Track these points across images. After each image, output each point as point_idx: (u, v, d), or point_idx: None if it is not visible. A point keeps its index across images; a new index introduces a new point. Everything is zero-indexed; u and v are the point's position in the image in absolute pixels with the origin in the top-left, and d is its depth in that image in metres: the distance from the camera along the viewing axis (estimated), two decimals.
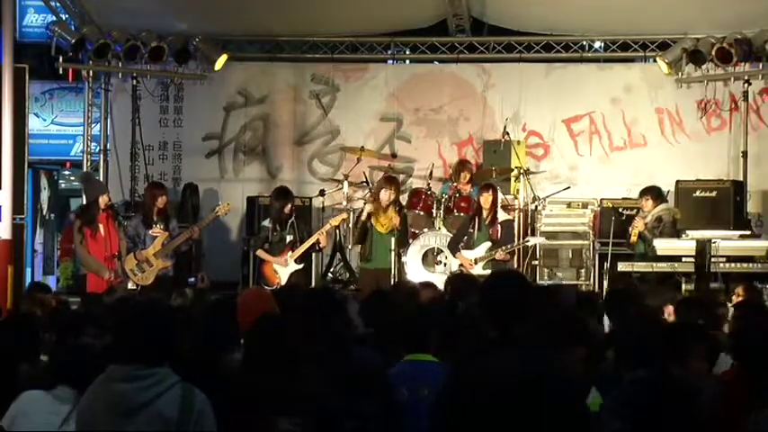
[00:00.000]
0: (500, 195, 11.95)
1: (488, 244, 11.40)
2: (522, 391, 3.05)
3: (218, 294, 8.96)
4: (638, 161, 13.89)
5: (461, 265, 11.35)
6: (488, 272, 10.79)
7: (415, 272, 11.97)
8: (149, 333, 4.08)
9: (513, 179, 13.18)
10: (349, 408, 4.37)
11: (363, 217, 11.51)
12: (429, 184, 12.67)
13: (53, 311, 7.53)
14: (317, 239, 11.22)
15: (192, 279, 11.98)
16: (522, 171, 13.03)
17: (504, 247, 11.38)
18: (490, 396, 3.06)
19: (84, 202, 11.79)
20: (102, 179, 13.83)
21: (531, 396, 2.98)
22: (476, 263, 11.32)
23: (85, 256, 11.03)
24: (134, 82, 14.02)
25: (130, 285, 10.95)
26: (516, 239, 11.97)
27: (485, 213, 11.45)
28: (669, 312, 7.05)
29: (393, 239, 11.30)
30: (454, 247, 11.57)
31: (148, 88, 14.20)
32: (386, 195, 11.37)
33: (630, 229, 11.41)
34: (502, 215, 11.74)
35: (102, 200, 11.08)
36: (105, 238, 10.97)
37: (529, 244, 12.01)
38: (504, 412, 3.01)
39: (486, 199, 11.41)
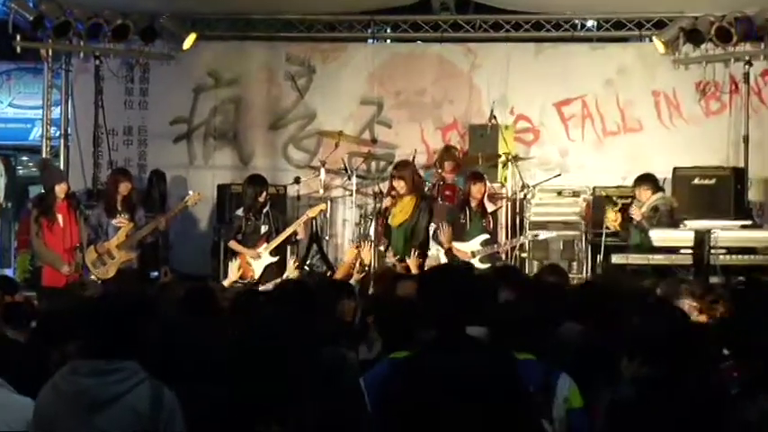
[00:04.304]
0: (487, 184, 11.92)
1: (485, 236, 11.37)
2: (475, 391, 3.17)
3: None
4: (632, 147, 13.86)
5: (455, 257, 11.20)
6: (486, 265, 10.75)
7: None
8: (120, 327, 4.17)
9: (500, 166, 13.10)
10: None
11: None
12: None
13: (9, 306, 7.40)
14: (294, 231, 11.13)
15: (156, 273, 11.90)
16: (509, 157, 12.95)
17: (507, 240, 11.27)
18: (442, 395, 3.19)
19: (42, 191, 11.65)
20: (62, 165, 13.78)
21: (485, 396, 3.01)
22: (473, 256, 11.25)
23: (41, 248, 10.94)
24: (96, 62, 13.86)
25: (92, 279, 10.84)
26: (506, 231, 11.93)
27: (473, 203, 11.43)
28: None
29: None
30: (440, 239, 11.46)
31: (112, 69, 14.09)
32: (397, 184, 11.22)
33: (606, 216, 11.40)
34: (489, 205, 11.67)
35: (60, 188, 10.96)
36: (64, 229, 10.87)
37: (539, 238, 11.91)
38: (456, 412, 3.00)
39: (478, 189, 11.39)
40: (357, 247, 10.35)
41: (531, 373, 4.19)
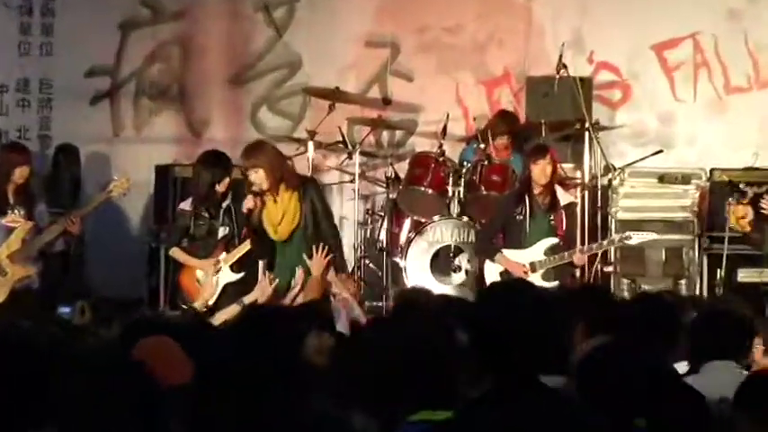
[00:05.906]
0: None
1: (551, 240, 11.38)
2: None
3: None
4: None
5: (506, 272, 11.29)
6: (553, 283, 11.02)
7: (421, 281, 11.94)
8: (11, 387, 4.12)
9: (573, 138, 13.06)
10: None
11: None
12: (442, 145, 12.73)
13: None
14: None
15: (67, 309, 11.83)
16: (587, 126, 12.88)
17: (583, 247, 11.27)
18: None
19: None
20: None
21: None
22: (533, 270, 11.35)
23: None
24: None
25: None
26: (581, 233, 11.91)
27: (537, 190, 11.45)
28: None
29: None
30: (487, 245, 11.57)
31: None
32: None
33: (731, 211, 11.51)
34: (563, 195, 11.74)
35: None
36: None
37: (631, 242, 11.94)
38: None
39: (542, 169, 11.52)
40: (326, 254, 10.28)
41: None
